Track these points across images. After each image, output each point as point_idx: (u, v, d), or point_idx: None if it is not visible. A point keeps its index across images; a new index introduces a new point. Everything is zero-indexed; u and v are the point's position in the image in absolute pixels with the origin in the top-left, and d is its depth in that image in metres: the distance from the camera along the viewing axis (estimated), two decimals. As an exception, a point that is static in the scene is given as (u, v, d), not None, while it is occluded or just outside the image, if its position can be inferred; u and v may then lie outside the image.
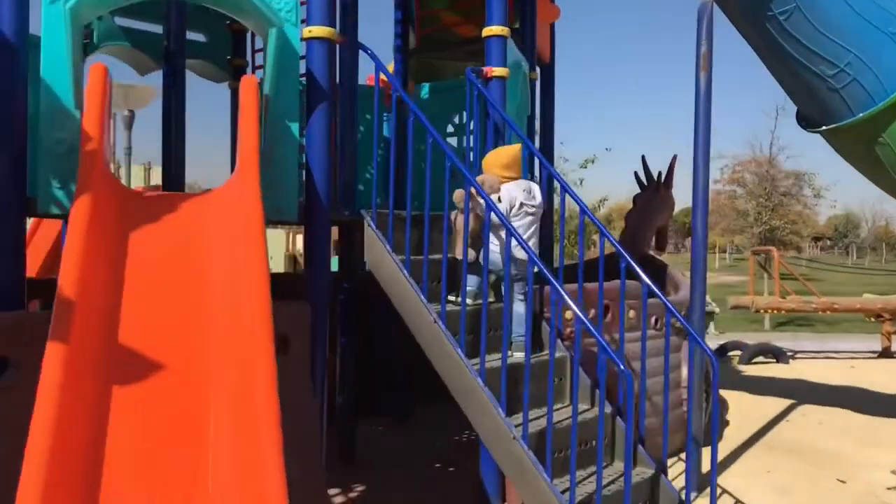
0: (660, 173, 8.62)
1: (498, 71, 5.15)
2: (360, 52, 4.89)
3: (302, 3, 4.18)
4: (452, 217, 4.47)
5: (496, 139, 5.07)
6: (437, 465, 6.47)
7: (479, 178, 4.47)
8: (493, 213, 4.15)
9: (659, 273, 7.80)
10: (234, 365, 2.75)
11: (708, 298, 9.79)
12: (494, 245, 4.25)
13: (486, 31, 5.18)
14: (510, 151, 4.60)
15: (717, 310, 15.52)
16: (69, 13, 3.53)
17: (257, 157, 3.51)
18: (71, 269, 2.81)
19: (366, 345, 6.83)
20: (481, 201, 4.22)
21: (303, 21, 4.25)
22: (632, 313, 6.40)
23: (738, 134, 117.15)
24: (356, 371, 6.24)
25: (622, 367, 3.96)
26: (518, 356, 4.17)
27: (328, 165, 4.18)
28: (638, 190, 8.65)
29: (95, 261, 2.97)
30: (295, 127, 4.14)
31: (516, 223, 4.39)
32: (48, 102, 3.65)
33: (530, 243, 4.39)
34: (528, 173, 5.15)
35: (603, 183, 48.97)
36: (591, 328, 3.86)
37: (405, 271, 4.24)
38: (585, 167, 26.45)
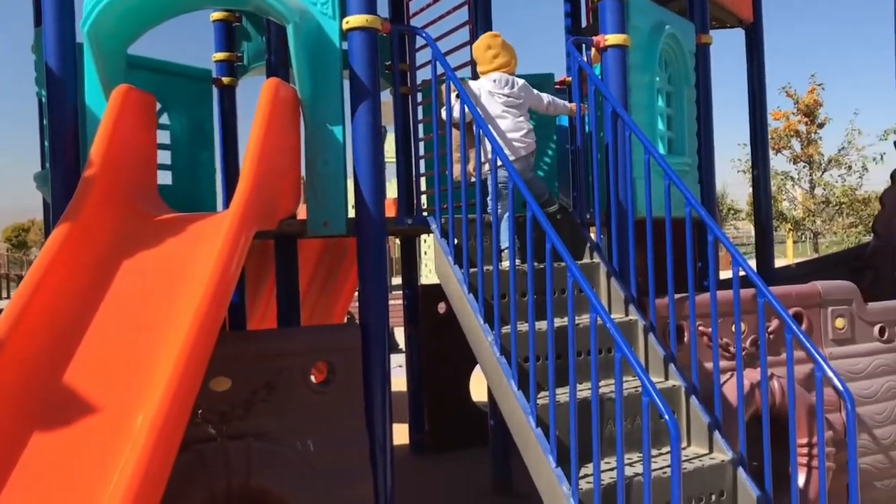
0: None
1: (614, 39, 4.28)
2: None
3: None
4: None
5: (614, 119, 4.21)
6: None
7: None
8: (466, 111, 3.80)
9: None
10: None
11: None
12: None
13: (599, -7, 4.35)
14: (476, 42, 4.32)
15: None
16: (87, 37, 3.50)
17: (255, 171, 3.19)
18: (18, 297, 2.73)
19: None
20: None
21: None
22: (840, 321, 5.08)
23: None
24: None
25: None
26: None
27: (377, 169, 3.72)
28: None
29: (58, 288, 2.86)
30: (338, 131, 3.75)
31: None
32: (92, 127, 3.68)
33: (521, 144, 4.13)
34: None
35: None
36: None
37: (464, 286, 3.62)
38: (886, 139, 22.63)
